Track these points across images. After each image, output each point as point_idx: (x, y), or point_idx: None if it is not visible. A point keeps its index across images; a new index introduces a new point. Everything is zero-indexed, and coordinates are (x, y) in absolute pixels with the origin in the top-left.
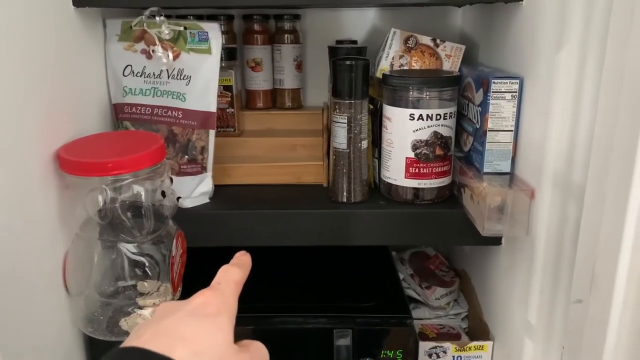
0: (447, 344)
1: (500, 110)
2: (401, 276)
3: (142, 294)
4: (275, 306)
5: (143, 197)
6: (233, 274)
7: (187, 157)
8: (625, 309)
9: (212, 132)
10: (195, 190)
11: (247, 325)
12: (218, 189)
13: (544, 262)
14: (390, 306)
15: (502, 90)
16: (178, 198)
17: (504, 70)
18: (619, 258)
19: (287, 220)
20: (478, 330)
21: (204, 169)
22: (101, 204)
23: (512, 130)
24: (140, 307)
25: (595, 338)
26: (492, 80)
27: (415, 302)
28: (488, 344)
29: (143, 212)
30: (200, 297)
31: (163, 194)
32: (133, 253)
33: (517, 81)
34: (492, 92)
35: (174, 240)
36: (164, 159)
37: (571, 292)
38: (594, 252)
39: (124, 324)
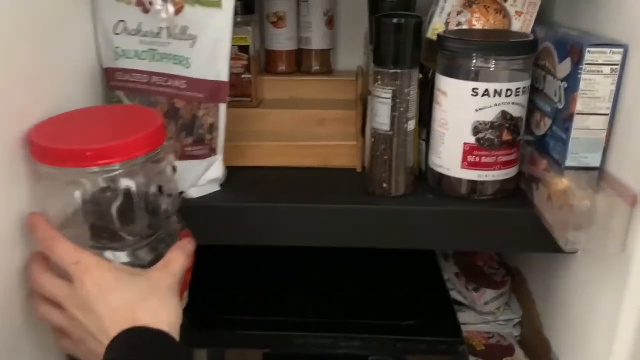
0: None
1: (595, 88)
2: (445, 276)
3: None
4: (296, 323)
5: (135, 192)
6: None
7: (192, 137)
8: None
9: (222, 106)
10: (202, 178)
11: (258, 347)
12: (231, 172)
13: None
14: (438, 326)
15: (600, 62)
16: (181, 193)
17: (595, 34)
18: None
19: (311, 216)
20: (536, 345)
21: (213, 152)
22: (79, 202)
23: (608, 115)
24: None
25: None
26: (588, 49)
27: (460, 304)
28: None
29: (135, 212)
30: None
31: (160, 189)
32: (124, 263)
33: (621, 51)
34: (586, 64)
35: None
36: (163, 142)
37: None
38: None
39: None
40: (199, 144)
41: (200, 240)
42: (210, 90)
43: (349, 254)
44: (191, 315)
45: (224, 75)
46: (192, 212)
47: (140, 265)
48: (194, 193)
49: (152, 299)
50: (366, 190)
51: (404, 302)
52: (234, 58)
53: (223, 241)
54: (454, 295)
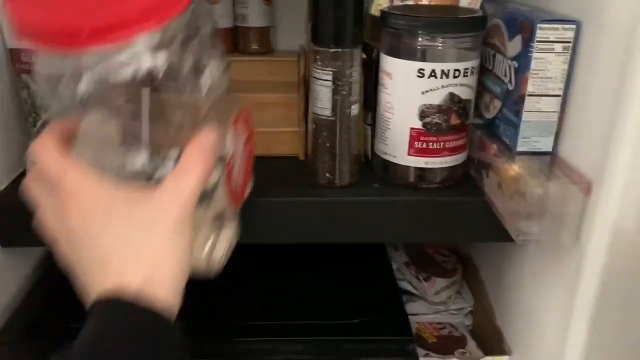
0: None
1: (547, 67)
2: (394, 266)
3: None
4: (236, 326)
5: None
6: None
7: None
8: None
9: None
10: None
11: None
12: None
13: (601, 283)
14: (387, 324)
15: (551, 39)
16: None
17: (547, 9)
18: None
19: (251, 210)
20: (488, 335)
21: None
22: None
23: (560, 95)
24: None
25: None
26: (539, 25)
27: (410, 294)
28: (504, 359)
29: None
30: None
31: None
32: (137, 173)
33: (573, 27)
34: (537, 41)
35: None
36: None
37: None
38: None
39: None
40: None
41: None
42: None
43: (291, 249)
44: None
45: None
46: None
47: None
48: None
49: (148, 244)
50: (309, 181)
51: (349, 299)
52: None
53: None
54: (404, 285)
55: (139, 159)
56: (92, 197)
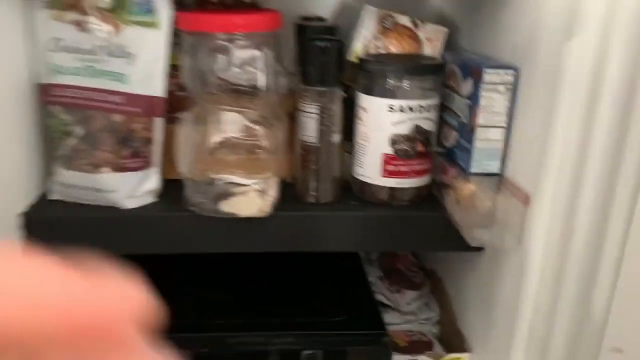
0: (421, 357)
1: (492, 104)
2: (370, 279)
3: None
4: (233, 323)
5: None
6: None
7: (128, 150)
8: None
9: (158, 121)
10: (138, 189)
11: (200, 347)
12: (169, 185)
13: (540, 278)
14: (363, 321)
15: (496, 81)
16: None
17: (492, 57)
18: None
19: (243, 224)
20: (452, 339)
21: (148, 164)
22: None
23: (504, 127)
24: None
25: None
26: (485, 70)
27: (384, 306)
28: (465, 357)
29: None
30: None
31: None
32: None
33: (513, 72)
34: (485, 83)
35: None
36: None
37: (604, 339)
38: None
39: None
40: (135, 157)
41: (137, 249)
42: (147, 105)
43: (280, 259)
44: None
45: (159, 92)
46: (129, 222)
47: None
48: (131, 204)
49: None
50: (296, 198)
51: (332, 301)
52: (170, 76)
53: (160, 250)
54: (379, 297)
55: None
56: None
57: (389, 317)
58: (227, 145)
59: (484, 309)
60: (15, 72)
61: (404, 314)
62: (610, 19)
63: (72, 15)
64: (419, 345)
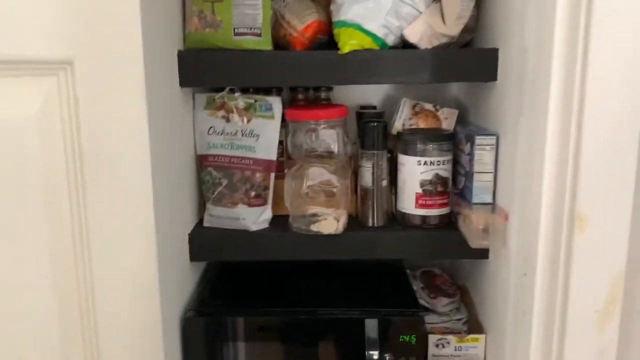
0: (450, 337)
1: (483, 158)
2: (415, 288)
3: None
4: (321, 302)
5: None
6: None
7: (255, 192)
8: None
9: (272, 175)
10: (259, 218)
11: (299, 315)
12: (276, 217)
13: (520, 266)
14: (405, 303)
15: (484, 143)
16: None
17: (486, 128)
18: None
19: (330, 240)
20: (475, 330)
21: (265, 202)
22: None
23: (492, 172)
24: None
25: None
26: (476, 137)
27: (425, 310)
28: (482, 337)
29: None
30: None
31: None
32: None
33: (494, 137)
34: (477, 145)
35: None
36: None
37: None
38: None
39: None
40: (258, 198)
41: (259, 256)
42: (266, 165)
43: (346, 266)
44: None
45: (273, 157)
46: (255, 239)
47: None
48: (254, 227)
49: None
50: (359, 223)
51: (383, 293)
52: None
53: (272, 257)
54: (421, 301)
55: None
56: None
57: (428, 318)
58: (314, 189)
59: (492, 302)
60: (188, 149)
61: (440, 315)
62: (540, 106)
63: (221, 112)
64: (450, 334)
